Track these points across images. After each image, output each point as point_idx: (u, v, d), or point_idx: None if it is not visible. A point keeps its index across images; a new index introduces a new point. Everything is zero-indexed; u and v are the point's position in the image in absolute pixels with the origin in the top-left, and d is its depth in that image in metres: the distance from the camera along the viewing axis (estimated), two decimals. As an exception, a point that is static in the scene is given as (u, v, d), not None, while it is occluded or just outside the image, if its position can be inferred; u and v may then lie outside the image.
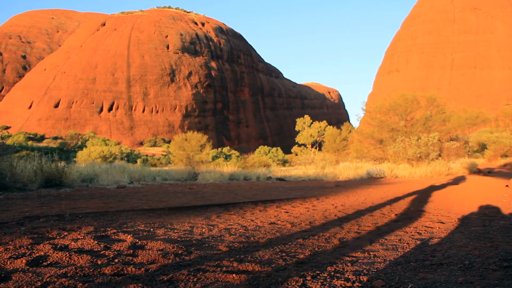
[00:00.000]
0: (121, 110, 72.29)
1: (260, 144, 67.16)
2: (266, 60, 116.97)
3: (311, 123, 35.31)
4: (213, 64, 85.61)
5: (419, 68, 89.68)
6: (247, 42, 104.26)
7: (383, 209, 3.80)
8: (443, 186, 7.53)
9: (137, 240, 1.95)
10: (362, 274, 1.50)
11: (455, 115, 30.19)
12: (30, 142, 53.00)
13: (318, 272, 1.50)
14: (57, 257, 1.58)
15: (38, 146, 44.55)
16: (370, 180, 10.36)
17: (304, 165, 19.25)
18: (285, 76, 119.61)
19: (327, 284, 1.36)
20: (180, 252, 1.77)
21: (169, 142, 57.94)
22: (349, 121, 53.03)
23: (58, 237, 1.97)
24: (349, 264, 1.66)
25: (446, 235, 2.40)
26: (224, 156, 40.92)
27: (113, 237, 2.05)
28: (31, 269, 1.40)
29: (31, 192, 4.75)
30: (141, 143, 69.93)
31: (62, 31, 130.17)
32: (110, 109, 72.33)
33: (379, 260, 1.77)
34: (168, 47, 79.71)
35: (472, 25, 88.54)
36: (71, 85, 71.41)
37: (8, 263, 1.46)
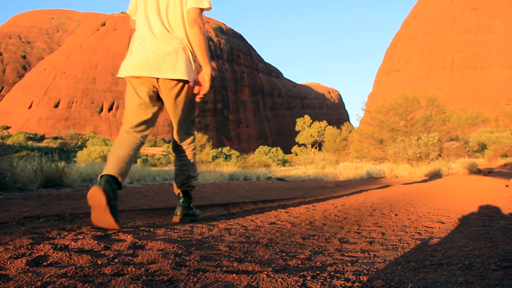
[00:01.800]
0: (121, 110, 72.30)
1: (260, 144, 67.22)
2: (266, 60, 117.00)
3: (311, 123, 35.36)
4: (213, 64, 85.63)
5: (419, 68, 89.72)
6: (247, 42, 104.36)
7: (383, 209, 3.80)
8: (442, 186, 7.54)
9: (137, 240, 1.96)
10: (362, 274, 1.50)
11: (455, 115, 30.23)
12: (30, 142, 53.06)
13: (318, 272, 1.50)
14: (57, 257, 1.58)
15: (38, 146, 44.60)
16: (370, 180, 10.37)
17: (304, 165, 19.26)
18: (285, 76, 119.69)
19: (327, 284, 1.36)
20: (180, 252, 1.77)
21: (169, 142, 57.98)
22: (349, 121, 53.06)
23: (58, 237, 1.97)
24: (349, 264, 1.67)
25: (446, 235, 2.40)
26: (224, 156, 40.90)
27: (113, 237, 2.05)
28: (31, 269, 1.40)
29: (31, 192, 4.75)
30: (141, 143, 69.89)
31: (62, 31, 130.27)
32: (110, 109, 72.41)
33: (379, 260, 1.77)
34: (168, 47, 79.70)
35: (472, 25, 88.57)
36: (71, 85, 71.46)
37: (8, 263, 1.46)
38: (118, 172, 2.25)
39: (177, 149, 2.67)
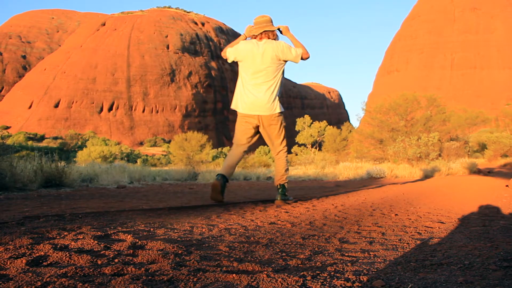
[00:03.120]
0: (121, 110, 72.42)
1: (260, 144, 67.13)
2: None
3: (311, 123, 35.31)
4: (213, 64, 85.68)
5: (419, 68, 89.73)
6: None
7: (383, 209, 3.80)
8: (442, 186, 7.54)
9: (137, 240, 1.95)
10: (362, 274, 1.50)
11: (455, 115, 30.21)
12: (30, 142, 53.08)
13: (318, 272, 1.50)
14: (57, 257, 1.58)
15: (38, 146, 44.62)
16: (370, 180, 10.37)
17: (304, 165, 19.26)
18: (285, 76, 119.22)
19: (327, 284, 1.36)
20: (180, 252, 1.77)
21: (169, 142, 58.01)
22: (349, 121, 53.06)
23: (58, 237, 1.97)
24: (349, 264, 1.67)
25: (446, 235, 2.40)
26: (224, 156, 40.90)
27: (113, 237, 2.05)
28: (31, 269, 1.40)
29: (31, 192, 4.75)
30: (141, 143, 70.01)
31: (62, 31, 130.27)
32: (110, 109, 72.42)
33: (379, 260, 1.77)
34: (168, 47, 79.77)
35: (472, 25, 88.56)
36: (71, 85, 71.46)
37: (8, 263, 1.46)
38: (227, 173, 3.90)
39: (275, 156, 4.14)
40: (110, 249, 1.75)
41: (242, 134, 3.93)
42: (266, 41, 3.75)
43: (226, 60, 3.89)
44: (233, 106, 3.95)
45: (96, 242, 1.86)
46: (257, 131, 3.97)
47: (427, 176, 11.56)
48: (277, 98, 3.83)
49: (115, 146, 40.01)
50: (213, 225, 2.61)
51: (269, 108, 3.76)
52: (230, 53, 3.85)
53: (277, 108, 3.81)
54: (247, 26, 3.88)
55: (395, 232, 2.54)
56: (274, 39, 3.81)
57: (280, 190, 3.96)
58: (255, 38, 3.81)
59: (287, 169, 4.04)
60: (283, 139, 4.00)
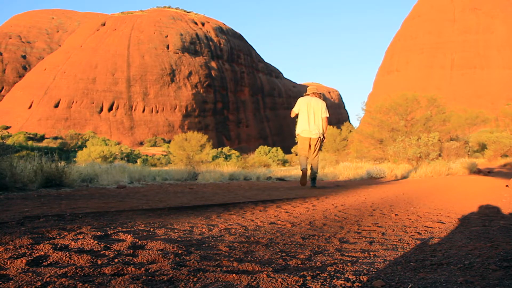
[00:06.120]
0: (121, 110, 72.36)
1: (260, 144, 67.14)
2: (266, 60, 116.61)
3: (311, 123, 35.15)
4: (213, 64, 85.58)
5: (419, 68, 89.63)
6: (247, 42, 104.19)
7: (383, 209, 3.80)
8: (442, 186, 7.53)
9: (137, 240, 1.95)
10: (362, 274, 1.50)
11: (455, 115, 30.14)
12: (30, 142, 53.04)
13: (318, 272, 1.50)
14: (57, 257, 1.58)
15: (38, 146, 44.59)
16: (370, 180, 10.37)
17: (304, 165, 19.15)
18: (285, 76, 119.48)
19: (327, 284, 1.36)
20: (180, 252, 1.77)
21: (169, 142, 57.95)
22: (349, 121, 53.04)
23: (58, 237, 1.97)
24: (349, 264, 1.67)
25: (446, 235, 2.40)
26: (224, 156, 40.92)
27: (113, 237, 2.05)
28: (31, 269, 1.40)
29: (31, 192, 4.75)
30: (141, 143, 69.94)
31: (62, 31, 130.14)
32: (110, 109, 72.37)
33: (379, 260, 1.77)
34: (168, 47, 79.71)
35: (472, 25, 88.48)
36: (71, 85, 71.42)
37: (8, 263, 1.46)
38: (307, 167, 6.60)
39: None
40: (110, 249, 1.75)
41: (304, 149, 6.71)
42: (315, 98, 6.88)
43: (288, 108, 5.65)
44: (297, 132, 6.79)
45: (96, 242, 1.86)
46: (309, 145, 6.66)
47: (427, 176, 11.55)
48: (321, 128, 6.66)
49: (115, 146, 40.00)
50: (213, 225, 2.61)
51: (315, 134, 6.62)
52: (295, 109, 6.79)
53: (320, 134, 6.67)
54: (301, 99, 6.94)
55: (395, 232, 2.54)
56: (319, 97, 7.03)
57: (311, 180, 6.71)
58: (308, 95, 6.94)
59: (317, 168, 6.86)
60: (319, 150, 6.82)
